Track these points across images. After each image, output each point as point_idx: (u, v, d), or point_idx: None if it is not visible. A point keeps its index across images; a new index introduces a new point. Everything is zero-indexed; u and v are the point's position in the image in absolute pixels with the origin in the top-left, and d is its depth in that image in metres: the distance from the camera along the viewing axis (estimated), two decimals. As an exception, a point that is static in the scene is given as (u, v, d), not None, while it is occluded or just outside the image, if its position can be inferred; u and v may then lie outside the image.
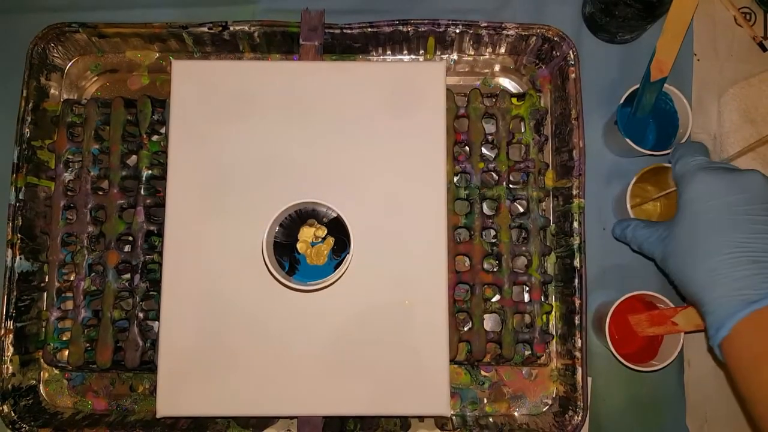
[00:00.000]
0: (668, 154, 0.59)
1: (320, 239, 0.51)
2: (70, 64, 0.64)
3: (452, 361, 0.56)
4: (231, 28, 0.60)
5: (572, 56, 0.59)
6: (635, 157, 0.63)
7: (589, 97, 0.60)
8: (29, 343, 0.58)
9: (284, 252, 0.50)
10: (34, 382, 0.59)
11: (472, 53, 0.64)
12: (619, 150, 0.63)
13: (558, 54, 0.61)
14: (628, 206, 0.57)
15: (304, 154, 0.54)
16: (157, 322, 0.57)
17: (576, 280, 0.57)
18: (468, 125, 0.60)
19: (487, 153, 0.62)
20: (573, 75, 0.59)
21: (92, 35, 0.61)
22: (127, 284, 0.57)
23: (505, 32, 0.60)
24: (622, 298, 0.56)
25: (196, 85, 0.55)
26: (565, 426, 0.56)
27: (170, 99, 0.55)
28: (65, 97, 0.63)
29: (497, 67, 0.65)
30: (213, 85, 0.55)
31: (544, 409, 0.60)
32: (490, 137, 0.60)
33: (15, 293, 0.57)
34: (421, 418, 0.57)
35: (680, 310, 0.54)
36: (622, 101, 0.59)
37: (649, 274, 0.62)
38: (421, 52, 0.64)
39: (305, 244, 0.51)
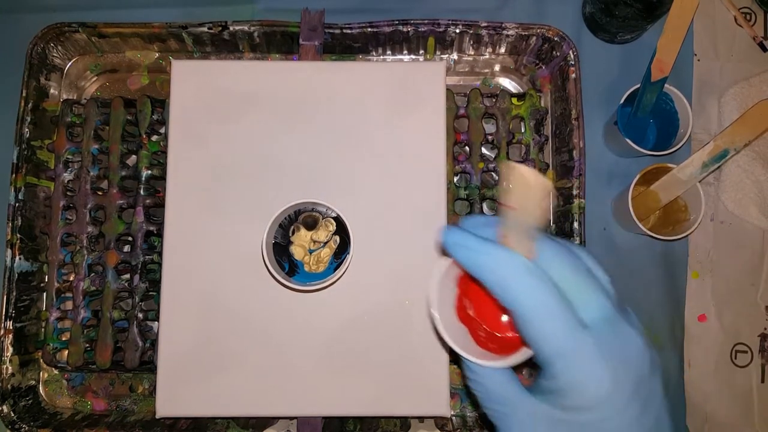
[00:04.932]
0: (669, 154, 0.59)
1: (321, 244, 0.50)
2: (69, 64, 0.64)
3: (452, 361, 0.56)
4: (231, 28, 0.60)
5: (572, 56, 0.59)
6: (635, 157, 0.63)
7: (589, 97, 0.60)
8: (29, 344, 0.58)
9: (284, 252, 0.50)
10: (34, 382, 0.59)
11: (472, 53, 0.64)
12: (620, 150, 0.63)
13: (558, 54, 0.61)
14: (630, 207, 0.57)
15: (304, 154, 0.54)
16: (156, 322, 0.57)
17: (576, 281, 0.57)
18: (468, 125, 0.60)
19: (487, 153, 0.62)
20: (573, 75, 0.59)
21: (92, 35, 0.61)
22: (126, 284, 0.57)
23: (505, 32, 0.60)
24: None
25: (196, 85, 0.55)
26: (565, 426, 0.56)
27: (170, 99, 0.55)
28: (65, 97, 0.63)
29: (497, 67, 0.65)
30: (213, 85, 0.55)
31: (544, 410, 0.60)
32: (490, 137, 0.60)
33: (14, 293, 0.57)
34: (421, 419, 0.57)
35: None
36: (622, 101, 0.59)
37: (650, 274, 0.62)
38: (421, 52, 0.64)
39: (302, 250, 0.50)
